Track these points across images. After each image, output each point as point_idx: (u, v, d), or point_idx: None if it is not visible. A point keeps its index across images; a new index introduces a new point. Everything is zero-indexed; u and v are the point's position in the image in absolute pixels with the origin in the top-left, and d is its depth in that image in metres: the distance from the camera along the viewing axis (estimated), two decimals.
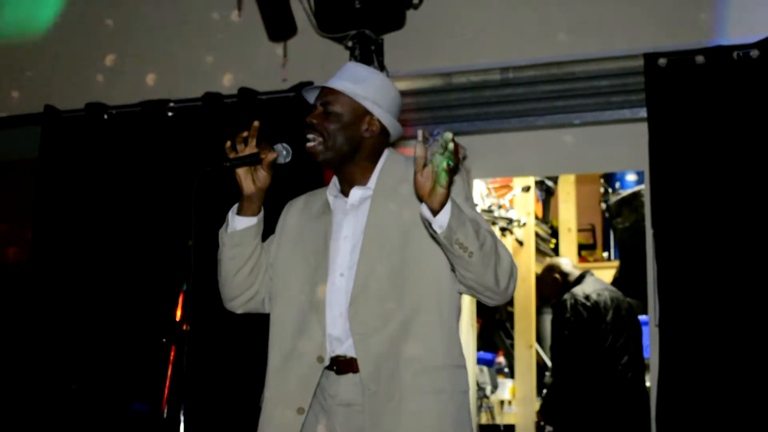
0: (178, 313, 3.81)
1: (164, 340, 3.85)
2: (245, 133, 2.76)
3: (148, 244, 4.91)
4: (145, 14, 5.33)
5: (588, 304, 5.37)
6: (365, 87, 2.78)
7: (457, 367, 2.69)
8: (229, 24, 5.13)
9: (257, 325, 3.11)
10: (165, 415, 3.82)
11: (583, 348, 5.27)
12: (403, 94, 4.63)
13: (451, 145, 2.31)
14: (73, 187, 5.09)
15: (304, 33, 4.89)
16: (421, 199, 2.41)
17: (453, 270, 2.64)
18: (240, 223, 2.79)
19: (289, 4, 4.80)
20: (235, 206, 2.82)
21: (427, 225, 2.45)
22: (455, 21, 4.80)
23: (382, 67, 4.67)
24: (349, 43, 4.68)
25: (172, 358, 3.79)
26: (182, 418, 3.83)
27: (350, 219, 2.77)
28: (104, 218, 5.01)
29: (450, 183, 2.35)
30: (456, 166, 2.35)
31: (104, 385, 4.79)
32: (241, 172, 2.75)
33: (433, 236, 2.47)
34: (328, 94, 2.79)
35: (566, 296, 5.47)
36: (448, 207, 2.39)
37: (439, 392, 2.62)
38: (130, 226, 4.96)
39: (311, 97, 2.87)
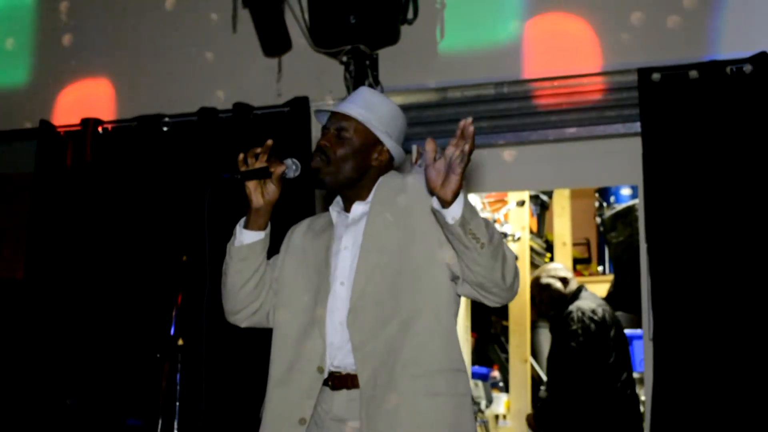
0: (173, 328, 3.82)
1: (158, 355, 3.85)
2: (258, 149, 2.78)
3: (143, 259, 4.91)
4: (141, 29, 5.34)
5: (596, 318, 5.32)
6: (380, 116, 2.81)
7: (456, 370, 2.70)
8: (225, 39, 5.14)
9: (253, 340, 3.12)
10: (159, 429, 3.81)
11: (589, 362, 5.24)
12: None
13: (470, 129, 2.34)
14: (69, 201, 5.09)
15: (299, 48, 4.91)
16: (431, 192, 2.44)
17: (453, 279, 2.67)
18: (248, 237, 2.81)
19: (284, 19, 4.82)
20: (243, 220, 2.84)
21: (440, 218, 2.47)
22: (449, 36, 4.81)
23: (376, 82, 4.68)
24: (344, 58, 4.69)
25: (165, 372, 3.79)
26: None
27: (350, 231, 2.80)
28: (99, 233, 5.00)
29: (465, 168, 2.37)
30: (472, 151, 2.37)
31: (98, 399, 4.78)
32: (251, 186, 2.77)
33: (446, 228, 2.49)
34: (342, 119, 2.81)
35: (572, 308, 5.41)
36: (460, 198, 2.42)
37: (435, 395, 2.63)
38: (125, 240, 4.96)
39: (323, 117, 2.89)
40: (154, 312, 4.70)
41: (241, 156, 2.78)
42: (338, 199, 2.90)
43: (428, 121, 4.75)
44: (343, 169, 2.77)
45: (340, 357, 2.70)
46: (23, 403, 4.88)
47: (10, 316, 5.20)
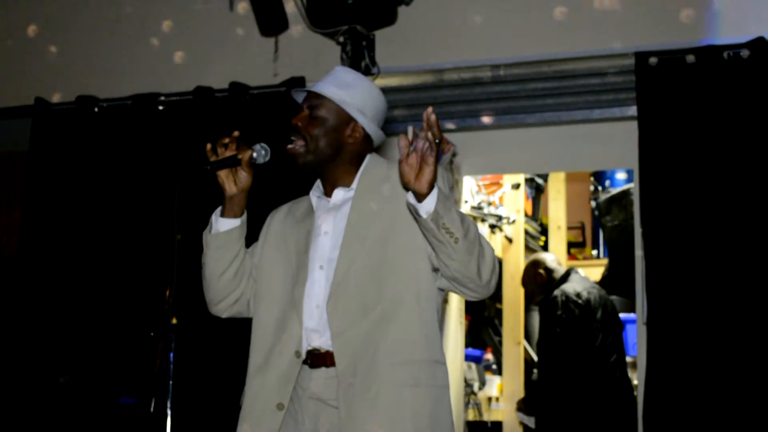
0: (166, 307, 3.82)
1: (152, 333, 3.85)
2: (226, 139, 2.78)
3: (137, 238, 4.90)
4: (137, 7, 5.31)
5: (580, 301, 5.34)
6: (352, 94, 2.81)
7: (436, 362, 2.70)
8: (221, 18, 5.12)
9: (244, 320, 3.11)
10: (152, 408, 3.82)
11: (574, 346, 5.26)
12: (394, 90, 4.69)
13: (432, 118, 2.34)
14: (63, 179, 5.08)
15: (296, 28, 4.89)
16: (406, 188, 2.44)
17: (434, 270, 2.67)
18: (223, 225, 2.82)
19: None
20: (219, 209, 2.84)
21: (414, 212, 2.47)
22: (447, 17, 4.80)
23: (373, 63, 4.67)
24: (341, 39, 4.68)
25: (159, 351, 3.80)
26: (169, 412, 3.83)
27: (331, 216, 2.80)
28: (94, 211, 5.00)
29: (437, 158, 2.37)
30: (441, 140, 2.37)
31: (91, 378, 4.79)
32: (223, 174, 2.78)
33: (419, 223, 2.49)
34: (314, 97, 2.81)
35: (556, 293, 5.44)
36: (434, 192, 2.42)
37: (416, 386, 2.63)
38: (119, 219, 4.95)
39: (299, 97, 2.90)
40: (148, 291, 4.69)
41: (209, 146, 2.78)
42: (318, 184, 2.89)
43: (424, 102, 4.73)
44: (319, 148, 2.76)
45: (317, 339, 2.70)
46: (16, 381, 4.88)
47: (3, 294, 5.19)
